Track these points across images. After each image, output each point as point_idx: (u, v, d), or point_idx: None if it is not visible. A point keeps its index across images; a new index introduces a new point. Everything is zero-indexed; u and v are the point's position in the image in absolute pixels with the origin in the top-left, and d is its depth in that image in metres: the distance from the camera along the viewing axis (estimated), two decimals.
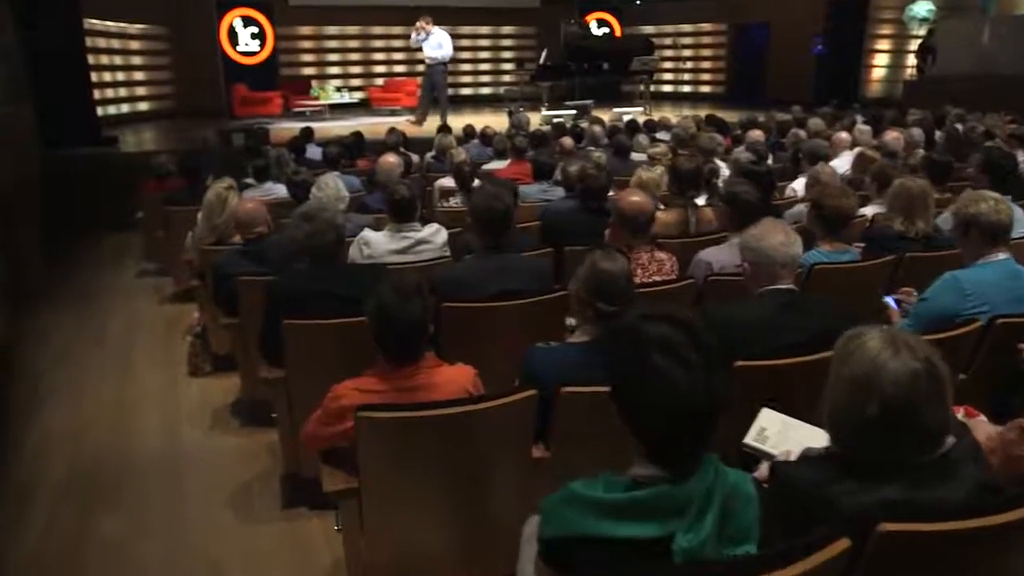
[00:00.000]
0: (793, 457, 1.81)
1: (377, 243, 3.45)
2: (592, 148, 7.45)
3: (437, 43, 12.22)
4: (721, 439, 1.30)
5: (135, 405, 4.10)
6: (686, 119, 9.86)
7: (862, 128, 8.12)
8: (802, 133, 7.65)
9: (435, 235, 3.63)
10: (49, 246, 7.30)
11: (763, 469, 1.80)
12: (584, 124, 9.59)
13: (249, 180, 6.20)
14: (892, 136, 7.03)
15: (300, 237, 2.69)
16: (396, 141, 7.20)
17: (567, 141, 6.65)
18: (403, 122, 11.88)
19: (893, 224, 3.65)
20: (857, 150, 6.78)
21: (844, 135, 7.11)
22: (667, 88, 18.96)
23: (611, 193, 4.09)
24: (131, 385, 4.38)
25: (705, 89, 18.97)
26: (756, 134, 7.41)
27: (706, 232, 4.05)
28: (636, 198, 3.05)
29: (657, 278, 3.05)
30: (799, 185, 5.28)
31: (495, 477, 2.05)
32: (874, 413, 1.32)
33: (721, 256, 3.26)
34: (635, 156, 7.05)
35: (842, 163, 6.25)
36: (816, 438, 1.91)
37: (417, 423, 1.87)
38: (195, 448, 3.60)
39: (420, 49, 12.48)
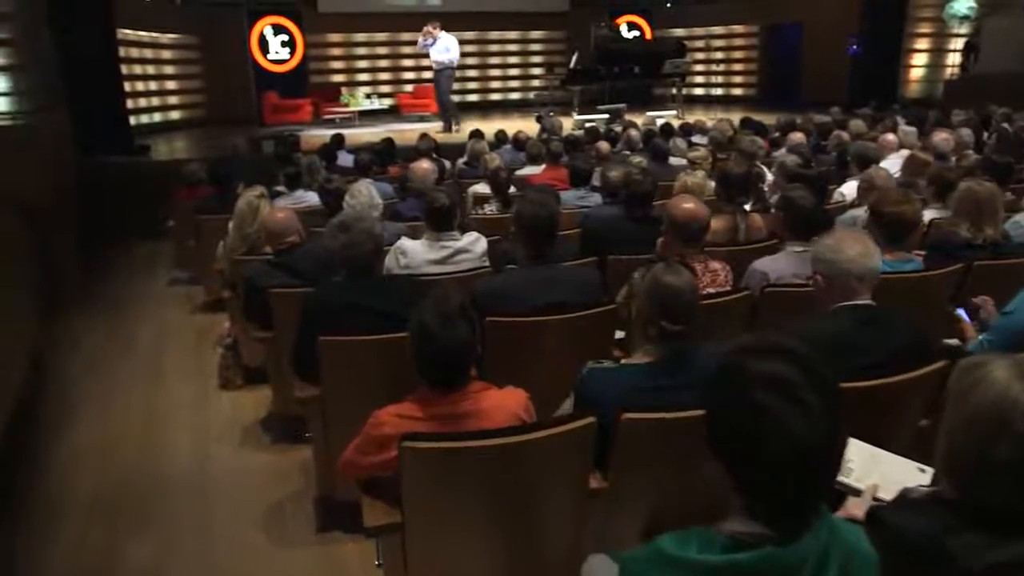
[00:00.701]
0: (882, 494, 1.63)
1: (414, 252, 3.31)
2: (628, 152, 7.28)
3: (444, 47, 12.07)
4: None
5: (165, 419, 4.01)
6: (722, 122, 9.65)
7: (907, 129, 7.84)
8: (845, 135, 7.40)
9: (474, 244, 3.49)
10: (83, 253, 7.29)
11: (849, 507, 1.62)
12: (618, 128, 9.41)
13: (280, 188, 6.12)
14: (941, 137, 6.76)
15: (336, 248, 2.55)
16: (428, 147, 7.08)
17: (603, 145, 6.48)
18: (432, 129, 11.72)
19: (959, 230, 3.43)
20: (905, 152, 6.54)
21: (891, 137, 6.86)
22: (698, 91, 18.66)
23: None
24: (161, 397, 4.29)
25: (737, 92, 18.65)
26: (797, 136, 7.18)
27: (756, 240, 3.86)
28: (689, 205, 2.87)
29: (711, 290, 2.88)
30: (848, 189, 5.05)
31: (548, 509, 1.89)
32: (1006, 456, 1.14)
33: (777, 265, 3.07)
34: (673, 160, 6.86)
35: (890, 166, 5.99)
36: (908, 472, 1.73)
37: (466, 454, 1.72)
38: (226, 466, 3.49)
39: (427, 55, 12.33)
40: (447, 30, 12.35)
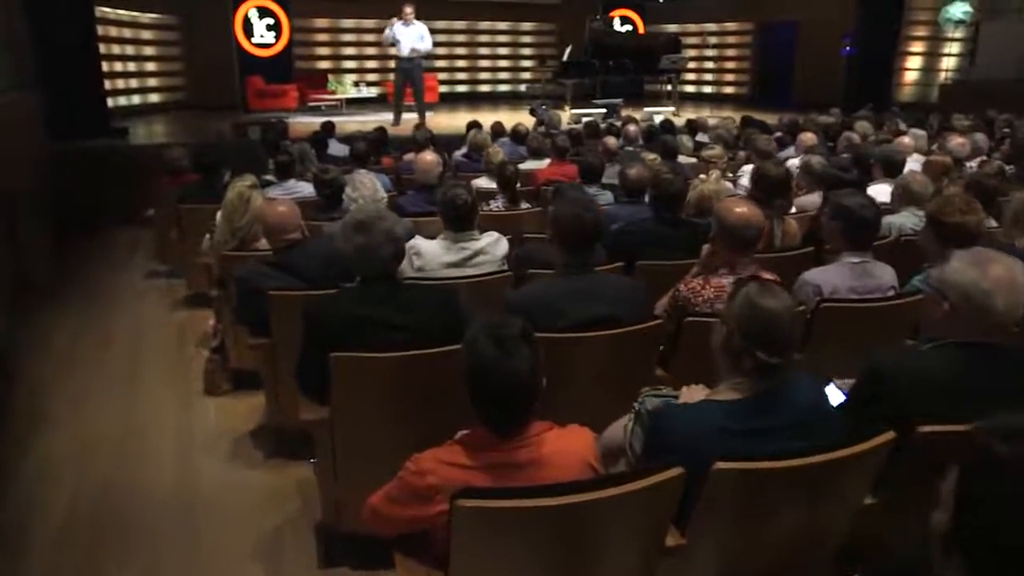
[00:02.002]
0: None
1: (430, 254, 2.99)
2: (631, 148, 6.99)
3: (419, 35, 11.13)
4: None
5: (145, 428, 3.65)
6: (727, 119, 9.41)
7: (917, 133, 7.64)
8: (855, 137, 7.17)
9: (495, 245, 3.18)
10: (55, 242, 6.87)
11: None
12: (616, 123, 9.13)
13: (269, 177, 5.75)
14: (957, 142, 6.56)
15: (350, 251, 2.23)
16: (426, 137, 6.74)
17: (611, 141, 6.18)
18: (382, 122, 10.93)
19: (1015, 242, 3.19)
20: (919, 156, 6.33)
21: (907, 140, 6.64)
22: (689, 88, 18.42)
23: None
24: (140, 403, 3.93)
25: (728, 90, 18.46)
26: (808, 137, 6.93)
27: (791, 248, 3.59)
28: (743, 208, 2.58)
29: None
30: (875, 194, 4.79)
31: (615, 570, 1.59)
32: None
33: (830, 277, 2.80)
34: (681, 159, 6.59)
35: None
36: None
37: (530, 514, 1.41)
38: (214, 485, 3.15)
39: (393, 43, 11.17)
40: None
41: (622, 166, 4.42)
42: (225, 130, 8.96)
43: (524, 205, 4.93)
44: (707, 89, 18.76)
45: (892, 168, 4.96)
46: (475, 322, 1.58)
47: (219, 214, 4.37)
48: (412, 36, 11.10)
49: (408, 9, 11.15)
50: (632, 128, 7.34)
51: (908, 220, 3.65)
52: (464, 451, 1.53)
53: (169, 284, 5.96)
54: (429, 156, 4.73)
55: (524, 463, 1.51)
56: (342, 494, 2.40)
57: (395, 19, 11.18)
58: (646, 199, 4.38)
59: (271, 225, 3.06)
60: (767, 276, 2.67)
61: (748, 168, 6.28)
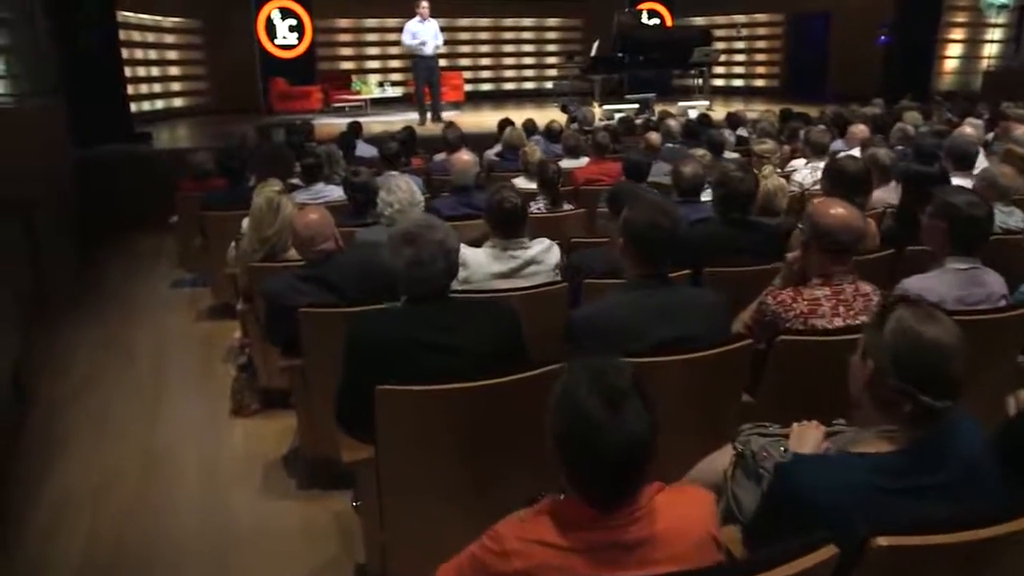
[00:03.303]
0: None
1: (477, 264, 2.70)
2: (670, 145, 6.66)
3: (434, 32, 10.93)
4: None
5: (168, 456, 3.39)
6: (767, 112, 9.03)
7: (975, 122, 7.22)
8: (909, 128, 6.76)
9: (547, 254, 2.88)
10: (77, 250, 6.69)
11: None
12: (651, 119, 8.78)
13: (295, 180, 5.50)
14: (1022, 131, 6.14)
15: (401, 266, 1.93)
16: (457, 137, 6.45)
17: (653, 136, 5.88)
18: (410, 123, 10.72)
19: None
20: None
21: (969, 130, 6.23)
22: (718, 82, 17.95)
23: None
24: (164, 426, 3.68)
25: (759, 83, 17.97)
26: (859, 129, 6.55)
27: (872, 250, 3.25)
28: (840, 210, 2.25)
29: (864, 318, 2.26)
30: None
31: None
32: None
33: (935, 285, 2.47)
34: (726, 154, 6.24)
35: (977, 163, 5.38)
36: None
37: None
38: (243, 520, 2.88)
39: (423, 43, 10.88)
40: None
41: (674, 163, 4.10)
42: (249, 133, 8.75)
43: (567, 206, 4.62)
44: (737, 82, 18.28)
45: (964, 160, 4.58)
46: (571, 367, 1.26)
47: (246, 222, 4.12)
48: (430, 33, 10.89)
49: (424, 4, 10.91)
50: (673, 123, 6.99)
51: (1010, 218, 3.29)
52: (556, 528, 1.21)
53: (194, 293, 5.74)
54: (466, 156, 4.44)
55: (634, 543, 1.20)
56: (389, 539, 2.11)
57: (415, 18, 10.93)
58: (702, 198, 4.07)
59: (302, 235, 2.78)
60: (867, 287, 2.36)
61: (798, 163, 5.93)
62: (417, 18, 10.89)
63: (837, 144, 6.92)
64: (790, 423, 1.85)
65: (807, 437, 1.66)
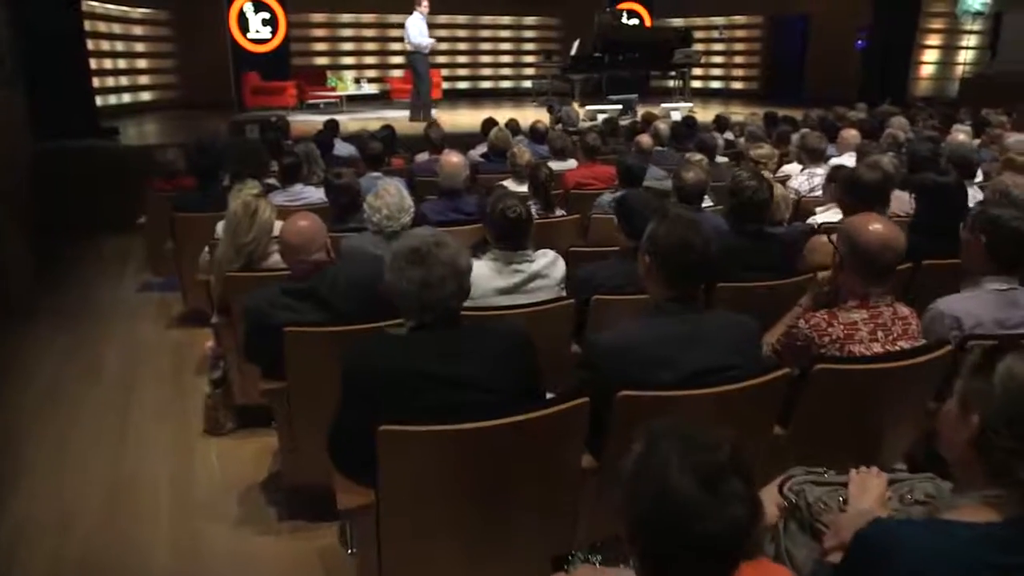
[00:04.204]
0: None
1: (479, 278, 2.47)
2: (660, 148, 6.49)
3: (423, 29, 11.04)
4: None
5: (136, 482, 3.11)
6: (754, 115, 8.92)
7: (964, 128, 7.17)
8: (900, 135, 6.66)
9: (551, 267, 2.67)
10: (38, 252, 6.34)
11: None
12: (636, 120, 8.61)
13: (271, 180, 5.23)
14: (1015, 138, 6.09)
15: (409, 289, 1.70)
16: (440, 136, 6.21)
17: (645, 140, 5.68)
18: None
19: None
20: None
21: (963, 137, 6.15)
22: (696, 84, 17.90)
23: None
24: (131, 448, 3.40)
25: (737, 85, 17.95)
26: (851, 134, 6.42)
27: None
28: (879, 226, 2.07)
29: (903, 344, 2.09)
30: None
31: None
32: None
33: (972, 307, 2.30)
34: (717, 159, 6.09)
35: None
36: None
37: None
38: (220, 555, 2.63)
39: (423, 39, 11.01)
40: (437, 13, 11.44)
41: (674, 169, 3.91)
42: (222, 129, 8.44)
43: (559, 211, 4.43)
44: (715, 84, 18.24)
45: (967, 169, 4.47)
46: (653, 433, 1.04)
47: (220, 226, 3.86)
48: (424, 30, 10.91)
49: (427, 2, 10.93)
50: (662, 126, 6.82)
51: None
52: None
53: (163, 298, 5.44)
54: (454, 158, 4.22)
55: None
56: None
57: (416, 15, 10.88)
58: (703, 206, 3.90)
59: (293, 243, 2.53)
60: (904, 310, 2.19)
61: (791, 168, 5.79)
62: (417, 15, 10.92)
63: (829, 149, 6.82)
64: (828, 458, 1.68)
65: (869, 487, 1.48)
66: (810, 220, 4.18)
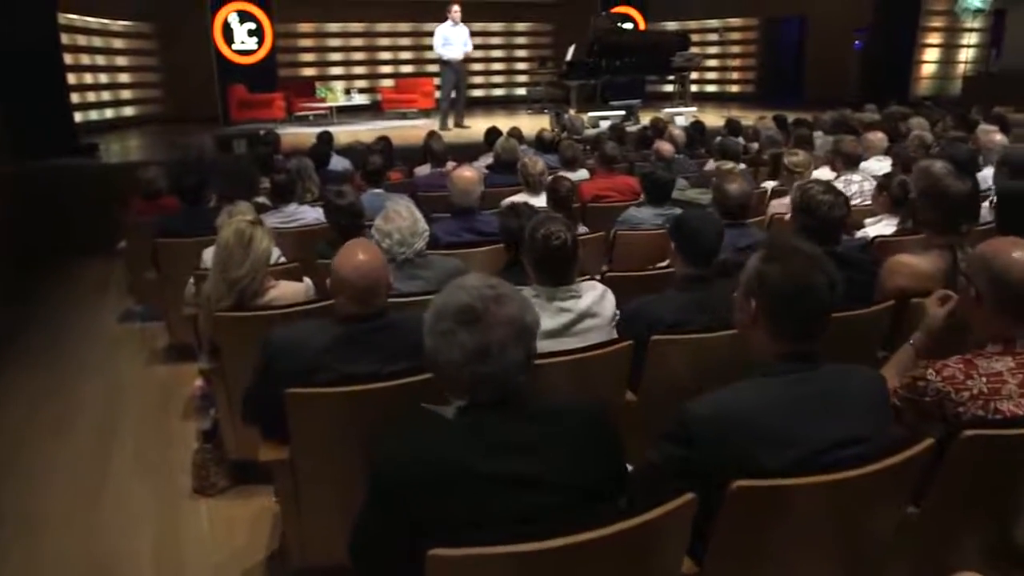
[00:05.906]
0: None
1: None
2: (676, 156, 6.11)
3: (464, 37, 11.03)
4: None
5: (115, 557, 2.69)
6: (763, 119, 8.55)
7: (987, 128, 6.81)
8: (928, 136, 6.30)
9: (600, 303, 2.25)
10: (10, 279, 5.89)
11: None
12: (634, 126, 8.25)
13: (262, 199, 4.80)
14: None
15: (453, 358, 1.28)
16: (443, 148, 5.80)
17: (666, 147, 5.28)
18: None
19: None
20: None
21: (998, 137, 5.79)
22: (692, 88, 17.56)
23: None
24: (109, 513, 2.96)
25: (734, 88, 17.62)
26: (878, 137, 6.07)
27: None
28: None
29: None
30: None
31: None
32: None
33: None
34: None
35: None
36: None
37: None
38: None
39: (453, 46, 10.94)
40: (426, 21, 11.32)
41: (715, 181, 3.52)
42: (207, 144, 8.00)
43: (582, 227, 4.02)
44: (710, 88, 17.92)
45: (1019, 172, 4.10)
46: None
47: (207, 253, 3.44)
48: (461, 37, 10.88)
49: (456, 8, 10.82)
50: (677, 132, 6.44)
51: None
52: None
53: (145, 330, 5.01)
54: (468, 172, 3.81)
55: None
56: None
57: (447, 22, 10.87)
58: (747, 221, 3.51)
59: (359, 286, 2.02)
60: None
61: (822, 174, 5.40)
62: (449, 22, 10.87)
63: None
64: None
65: None
66: (860, 233, 3.81)
